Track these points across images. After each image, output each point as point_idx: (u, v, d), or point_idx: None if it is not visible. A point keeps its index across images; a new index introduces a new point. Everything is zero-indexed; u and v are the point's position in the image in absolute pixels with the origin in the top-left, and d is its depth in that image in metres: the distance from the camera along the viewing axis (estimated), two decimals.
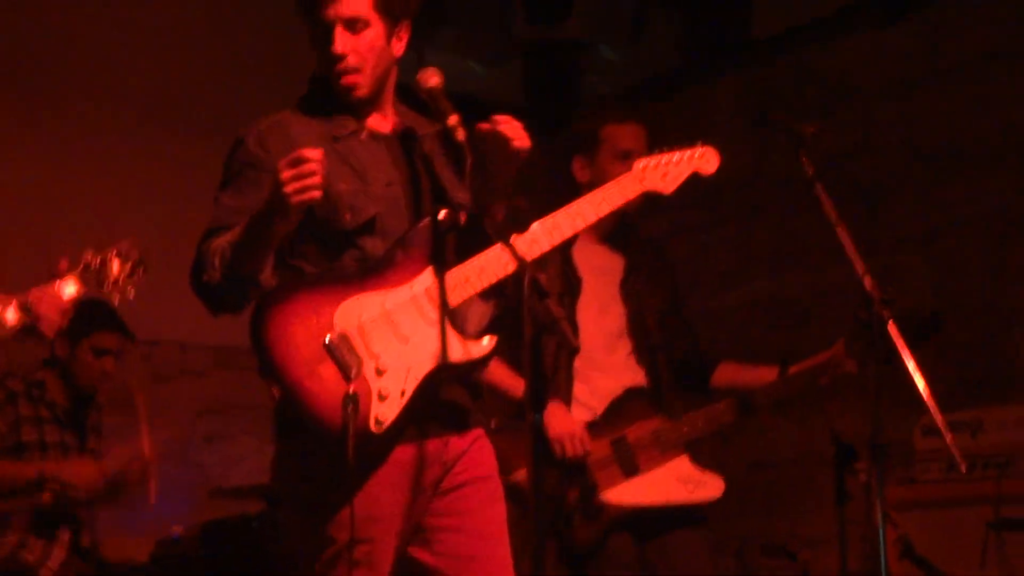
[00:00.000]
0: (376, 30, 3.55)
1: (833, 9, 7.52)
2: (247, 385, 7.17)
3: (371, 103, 3.62)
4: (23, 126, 6.69)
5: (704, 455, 4.90)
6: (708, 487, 4.83)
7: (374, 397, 3.34)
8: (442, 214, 3.49)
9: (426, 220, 3.50)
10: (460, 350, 3.45)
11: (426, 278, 3.46)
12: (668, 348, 5.06)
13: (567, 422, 4.70)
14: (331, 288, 3.41)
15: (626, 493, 4.76)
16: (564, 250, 4.87)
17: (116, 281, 3.98)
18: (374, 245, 3.48)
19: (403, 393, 3.37)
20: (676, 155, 3.79)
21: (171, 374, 7.25)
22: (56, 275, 3.84)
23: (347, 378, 3.31)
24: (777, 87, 7.63)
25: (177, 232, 6.75)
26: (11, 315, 3.75)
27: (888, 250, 6.65)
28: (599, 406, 4.85)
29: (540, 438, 3.21)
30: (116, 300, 4.02)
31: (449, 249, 3.52)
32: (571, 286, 4.88)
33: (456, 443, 3.56)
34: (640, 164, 3.76)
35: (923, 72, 7.06)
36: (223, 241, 3.36)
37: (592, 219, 3.64)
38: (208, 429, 7.21)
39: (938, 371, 4.11)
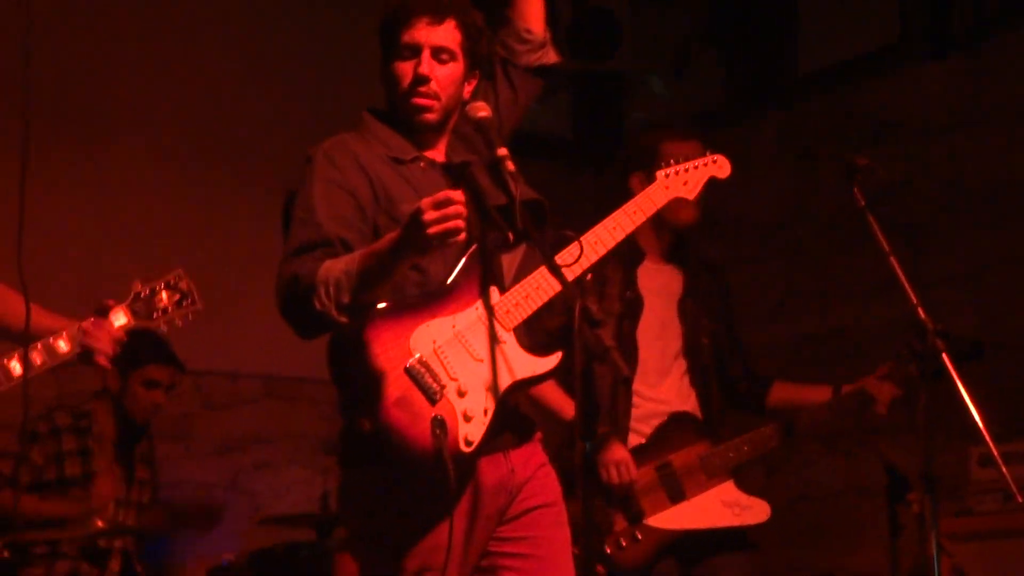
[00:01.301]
0: (458, 66, 3.59)
1: (878, 46, 7.53)
2: (296, 414, 7.29)
3: (434, 133, 3.65)
4: (72, 161, 6.73)
5: (750, 487, 4.90)
6: (754, 512, 4.82)
7: (460, 418, 3.37)
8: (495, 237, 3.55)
9: (485, 241, 3.54)
10: (530, 366, 3.50)
11: (492, 296, 3.51)
12: (720, 369, 5.07)
13: (614, 449, 4.72)
14: (402, 316, 3.42)
15: (672, 518, 4.77)
16: (627, 270, 4.90)
17: (165, 311, 4.01)
18: (436, 268, 3.50)
19: (486, 412, 3.41)
20: (694, 163, 3.97)
21: (222, 403, 7.27)
22: (104, 309, 3.87)
23: (432, 402, 3.35)
24: (821, 124, 7.62)
25: (225, 264, 6.87)
26: (63, 345, 3.78)
27: (933, 287, 6.64)
28: (648, 431, 4.88)
29: (590, 467, 3.21)
30: (165, 330, 4.04)
31: (507, 270, 3.56)
32: (632, 307, 4.91)
33: (521, 470, 3.57)
34: (663, 173, 3.91)
35: (968, 109, 7.06)
36: (336, 271, 3.29)
37: (630, 228, 3.75)
38: (257, 458, 7.23)
39: (990, 404, 4.10)
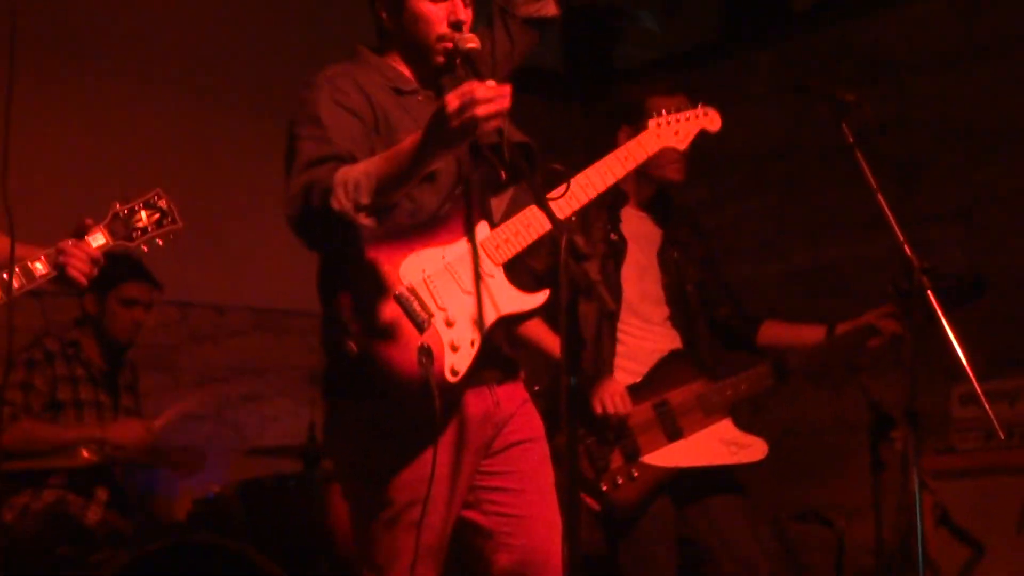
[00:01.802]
0: (472, 9, 3.62)
1: None
2: (283, 347, 7.29)
3: (440, 74, 3.66)
4: (58, 85, 6.68)
5: (741, 422, 4.91)
6: (752, 450, 4.83)
7: (447, 348, 3.39)
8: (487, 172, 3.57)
9: (476, 175, 3.57)
10: (517, 301, 3.53)
11: (480, 232, 3.52)
12: (708, 313, 5.09)
13: (607, 382, 4.73)
14: (392, 244, 3.43)
15: (669, 456, 4.78)
16: (611, 212, 4.91)
17: (145, 230, 3.94)
18: (428, 198, 3.51)
19: (472, 343, 3.43)
20: (685, 114, 4.06)
21: (208, 335, 7.26)
22: (83, 230, 3.84)
23: (420, 330, 3.36)
24: (815, 59, 7.61)
25: (213, 194, 6.85)
26: (40, 267, 3.74)
27: (925, 223, 6.64)
28: (640, 369, 4.87)
29: (575, 401, 3.23)
30: (145, 250, 3.98)
31: (497, 207, 3.59)
32: (616, 249, 4.91)
33: (506, 404, 3.60)
34: (654, 123, 4.00)
35: (961, 47, 7.04)
36: (355, 172, 3.26)
37: (621, 173, 3.83)
38: (244, 389, 7.24)
39: (976, 342, 4.11)
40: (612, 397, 4.70)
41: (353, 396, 3.48)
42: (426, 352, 3.33)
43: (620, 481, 4.72)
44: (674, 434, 4.80)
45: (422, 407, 3.32)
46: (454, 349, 3.41)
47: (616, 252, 4.92)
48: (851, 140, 4.25)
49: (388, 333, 3.34)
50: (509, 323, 3.57)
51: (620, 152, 3.85)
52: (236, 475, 6.16)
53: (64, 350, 5.89)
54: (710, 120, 4.14)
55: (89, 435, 5.67)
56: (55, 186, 6.42)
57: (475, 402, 3.53)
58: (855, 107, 4.34)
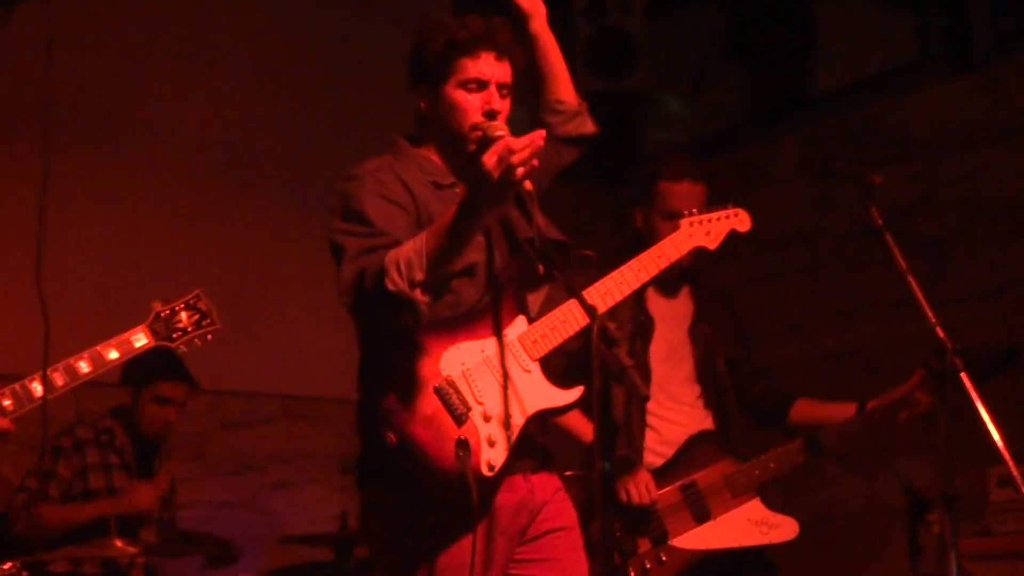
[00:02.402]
0: (509, 101, 3.65)
1: (896, 64, 7.53)
2: (314, 434, 7.29)
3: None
4: (91, 179, 6.76)
5: (775, 506, 4.88)
6: (783, 529, 4.80)
7: (484, 442, 3.40)
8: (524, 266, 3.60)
9: (515, 270, 3.59)
10: (553, 397, 3.54)
11: (518, 326, 3.54)
12: (739, 390, 5.07)
13: (634, 469, 4.71)
14: (433, 336, 3.45)
15: (698, 538, 4.75)
16: (638, 293, 4.91)
17: (185, 331, 4.04)
18: (467, 291, 3.53)
19: (508, 439, 3.44)
20: (716, 214, 4.22)
21: (240, 423, 7.28)
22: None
23: (458, 423, 3.37)
24: (840, 141, 7.63)
25: (243, 283, 6.89)
26: (84, 366, 3.81)
27: (955, 304, 6.61)
28: (670, 451, 4.86)
29: (610, 487, 3.23)
30: (185, 350, 4.07)
31: (533, 302, 3.62)
32: (644, 329, 4.91)
33: (540, 492, 3.60)
34: (686, 222, 4.14)
35: (985, 127, 7.04)
36: (405, 251, 3.28)
37: (654, 272, 3.94)
38: (276, 477, 7.24)
39: (1011, 423, 4.09)
40: (637, 486, 4.68)
41: (389, 484, 3.48)
42: (463, 445, 3.34)
43: (648, 566, 4.69)
44: (702, 516, 4.78)
45: (458, 498, 3.33)
46: (491, 444, 3.42)
47: (643, 331, 4.92)
48: (880, 222, 4.25)
49: (427, 425, 3.35)
50: (544, 417, 3.58)
51: (654, 251, 3.95)
52: (269, 564, 6.15)
53: (98, 437, 5.91)
54: (740, 221, 4.29)
55: (99, 512, 5.67)
56: (90, 278, 6.47)
57: (510, 490, 3.53)
58: (881, 188, 4.34)
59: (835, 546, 7.11)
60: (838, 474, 7.11)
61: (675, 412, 4.93)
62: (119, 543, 5.35)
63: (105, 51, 6.92)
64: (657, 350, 4.94)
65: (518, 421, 3.48)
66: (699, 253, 4.60)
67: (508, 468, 3.45)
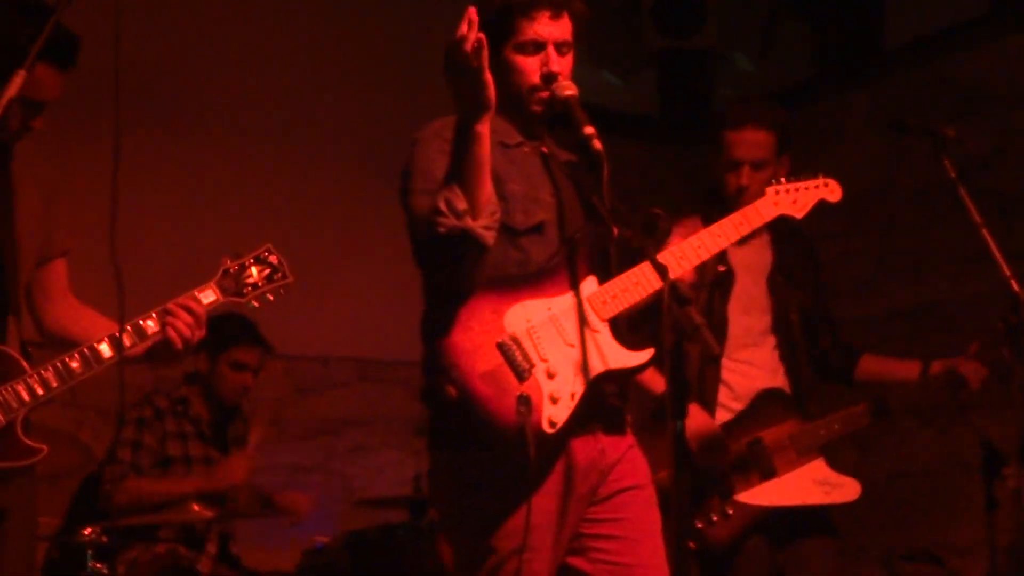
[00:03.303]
0: (572, 56, 3.63)
1: (966, 17, 7.44)
2: (388, 397, 7.32)
3: (539, 123, 3.68)
4: (163, 145, 6.77)
5: (845, 465, 4.86)
6: (845, 490, 4.79)
7: (546, 399, 3.39)
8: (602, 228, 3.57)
9: (589, 230, 3.58)
10: (622, 357, 3.52)
11: (588, 286, 3.53)
12: (811, 341, 5.05)
13: (702, 422, 4.68)
14: (499, 292, 3.46)
15: (762, 495, 4.75)
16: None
17: (255, 286, 3.95)
18: (538, 250, 3.54)
19: (573, 396, 3.43)
20: (805, 183, 4.10)
21: (314, 387, 7.32)
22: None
23: (520, 379, 3.37)
24: (911, 96, 7.56)
25: (316, 248, 6.91)
26: (151, 324, 3.78)
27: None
28: (739, 407, 4.86)
29: (683, 444, 3.22)
30: (256, 305, 3.97)
31: (604, 260, 3.60)
32: (724, 281, 4.90)
33: (612, 451, 3.59)
34: (772, 190, 4.04)
35: None
36: (439, 195, 3.31)
37: (734, 238, 3.87)
38: (351, 441, 7.28)
39: None
40: (706, 439, 4.68)
41: (454, 446, 3.49)
42: (524, 401, 3.34)
43: (715, 519, 4.69)
44: (768, 473, 4.77)
45: (519, 455, 3.33)
46: (553, 401, 3.41)
47: (724, 285, 4.90)
48: (953, 175, 4.22)
49: (488, 380, 3.35)
50: (613, 378, 3.56)
51: (736, 217, 3.88)
52: (343, 526, 6.19)
53: (173, 407, 5.96)
54: (830, 191, 4.18)
55: (196, 487, 5.72)
56: (162, 247, 6.52)
57: (581, 450, 3.51)
58: (955, 142, 4.31)
59: (912, 500, 7.09)
60: (913, 429, 7.07)
61: (749, 366, 4.91)
62: (196, 507, 5.39)
63: (173, 19, 6.94)
64: (737, 302, 4.93)
65: (587, 379, 3.46)
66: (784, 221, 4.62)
67: (572, 427, 3.44)
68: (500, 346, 3.40)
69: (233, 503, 5.81)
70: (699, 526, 4.67)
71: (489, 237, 3.34)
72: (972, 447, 4.77)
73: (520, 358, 3.40)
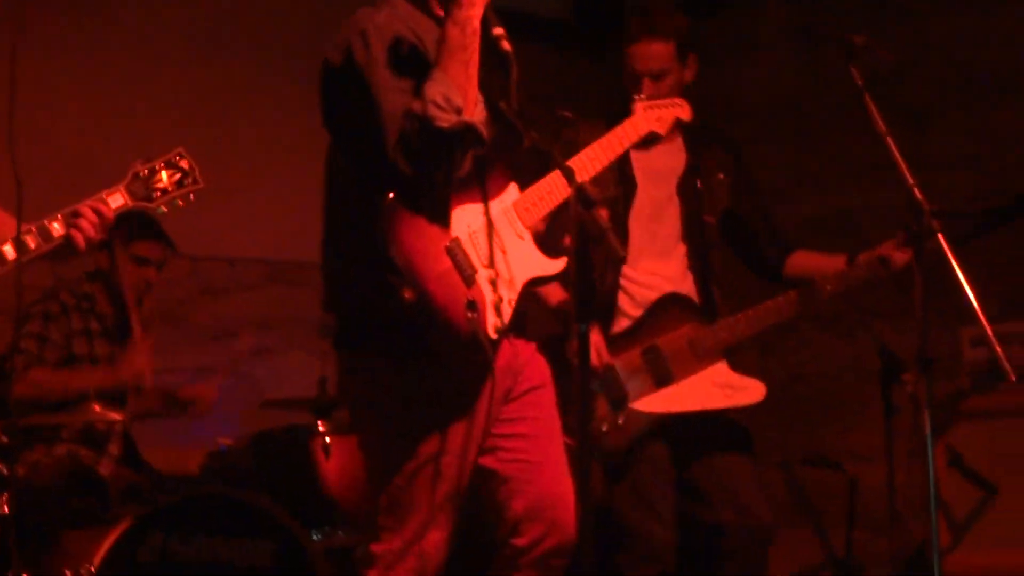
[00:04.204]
0: None
1: None
2: (296, 299, 7.27)
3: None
4: (66, 34, 6.68)
5: (750, 367, 4.88)
6: (748, 392, 4.78)
7: (489, 305, 3.41)
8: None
9: (497, 138, 3.55)
10: (542, 265, 3.58)
11: (511, 193, 3.55)
12: (740, 245, 5.06)
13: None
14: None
15: (658, 402, 4.74)
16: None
17: (165, 191, 3.91)
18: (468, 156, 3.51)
19: (510, 303, 3.48)
20: (662, 102, 4.35)
21: (221, 289, 7.26)
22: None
23: (467, 284, 3.38)
24: (824, 4, 7.55)
25: (224, 146, 6.83)
26: (57, 227, 3.75)
27: (936, 169, 6.59)
28: (638, 314, 4.85)
29: (587, 348, 3.24)
30: (165, 211, 3.96)
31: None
32: (626, 191, 4.87)
33: (522, 352, 3.64)
34: (640, 106, 4.25)
35: None
36: (431, 92, 3.29)
37: (620, 150, 4.08)
38: (257, 343, 7.24)
39: (987, 286, 4.10)
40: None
41: (390, 352, 3.47)
42: (472, 306, 3.36)
43: (604, 429, 4.69)
44: (664, 380, 4.76)
45: (466, 361, 3.36)
46: (496, 307, 3.45)
47: (625, 194, 4.87)
48: (860, 83, 4.23)
49: (440, 283, 3.36)
50: (536, 285, 3.61)
51: (618, 131, 4.09)
52: (250, 428, 6.17)
53: (79, 304, 5.89)
54: (682, 110, 4.39)
55: (99, 381, 5.67)
56: (67, 145, 6.42)
57: (500, 352, 3.55)
58: (865, 50, 4.31)
59: (812, 406, 7.18)
60: (815, 334, 7.14)
61: (651, 275, 4.89)
62: (97, 407, 5.35)
63: None
64: (640, 210, 4.89)
65: (517, 287, 3.52)
66: (652, 137, 4.57)
67: (507, 333, 3.48)
68: (448, 249, 3.40)
69: (136, 401, 5.78)
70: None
71: (485, 133, 3.34)
72: (871, 353, 4.82)
73: (464, 263, 3.41)
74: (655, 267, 4.89)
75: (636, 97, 4.26)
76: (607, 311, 4.81)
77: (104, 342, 5.91)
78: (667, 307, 4.83)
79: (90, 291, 5.95)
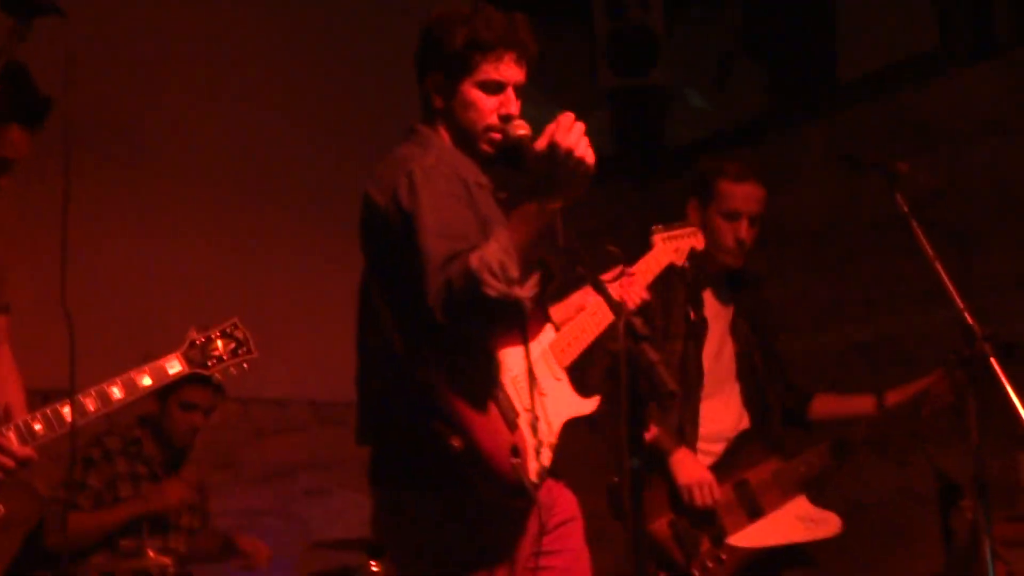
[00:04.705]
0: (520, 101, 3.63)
1: (919, 50, 7.49)
2: (345, 439, 7.27)
3: (487, 163, 3.65)
4: (117, 196, 6.78)
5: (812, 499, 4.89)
6: (827, 525, 4.84)
7: (531, 450, 3.40)
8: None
9: (552, 279, 3.60)
10: (578, 405, 3.57)
11: (548, 334, 3.55)
12: (774, 385, 5.07)
13: (696, 470, 4.72)
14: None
15: (752, 536, 4.78)
16: (692, 292, 4.92)
17: (220, 359, 4.09)
18: None
19: (550, 447, 3.47)
20: (683, 231, 4.49)
21: (270, 430, 7.29)
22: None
23: (511, 428, 3.39)
24: (865, 130, 7.60)
25: (270, 290, 6.90)
26: (116, 392, 3.86)
27: (983, 293, 6.56)
28: (713, 449, 4.88)
29: (640, 483, 3.22)
30: (220, 379, 4.15)
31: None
32: (696, 330, 4.92)
33: (554, 487, 3.64)
34: (659, 238, 4.35)
35: (1010, 112, 7.00)
36: (491, 253, 3.21)
37: (650, 277, 4.23)
38: (308, 484, 7.24)
39: None
40: (702, 487, 4.69)
41: (429, 487, 3.44)
42: (516, 452, 3.35)
43: (711, 566, 4.70)
44: (755, 513, 4.81)
45: (514, 504, 3.37)
46: (537, 452, 3.45)
47: (696, 333, 4.92)
48: (906, 210, 4.24)
49: (488, 431, 3.35)
50: (571, 425, 3.60)
51: (640, 265, 4.20)
52: (303, 570, 6.15)
53: (126, 448, 5.93)
54: (697, 240, 4.51)
55: (132, 511, 5.69)
56: (115, 289, 6.49)
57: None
58: (908, 177, 4.33)
59: (871, 533, 7.09)
60: (871, 462, 7.08)
61: (715, 411, 4.93)
62: (152, 553, 5.36)
63: (123, 65, 6.93)
64: (708, 349, 4.96)
65: (555, 429, 3.52)
66: (728, 259, 4.88)
67: (547, 475, 3.48)
68: (494, 397, 3.39)
69: (192, 543, 5.78)
70: (695, 573, 4.68)
71: (529, 307, 3.32)
72: (929, 479, 4.79)
73: (508, 408, 3.41)
74: (715, 405, 4.93)
75: (653, 228, 4.31)
76: (689, 447, 4.81)
77: (151, 486, 5.92)
78: (746, 442, 4.91)
79: (138, 436, 5.98)
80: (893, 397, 4.87)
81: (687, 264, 4.43)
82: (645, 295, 4.12)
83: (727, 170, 4.91)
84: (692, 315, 4.92)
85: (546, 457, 3.45)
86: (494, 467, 3.34)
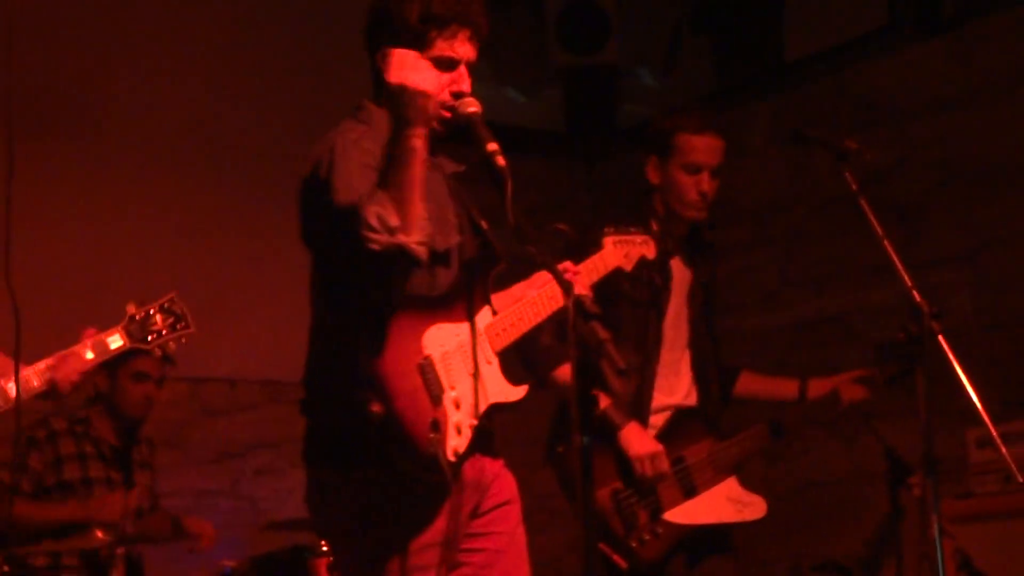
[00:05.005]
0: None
1: (865, 29, 7.53)
2: (296, 418, 7.25)
3: (437, 140, 3.60)
4: (62, 171, 6.72)
5: (754, 476, 4.91)
6: (754, 508, 4.86)
7: (451, 429, 3.39)
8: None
9: (478, 258, 3.58)
10: (505, 392, 3.56)
11: (485, 315, 3.54)
12: (713, 359, 5.09)
13: (647, 442, 4.71)
14: (415, 313, 3.43)
15: (687, 513, 4.77)
16: (663, 262, 4.85)
17: (159, 333, 4.17)
18: (443, 274, 3.51)
19: (471, 427, 3.45)
20: (635, 237, 4.16)
21: (221, 410, 7.26)
22: (80, 341, 3.98)
23: (434, 403, 3.37)
24: (812, 108, 7.64)
25: (221, 269, 6.86)
26: (35, 382, 3.89)
27: (930, 268, 6.61)
28: (659, 424, 4.87)
29: (589, 460, 3.22)
30: (159, 353, 4.18)
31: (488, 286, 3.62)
32: (663, 298, 4.90)
33: (489, 469, 3.62)
34: (610, 240, 4.08)
35: (958, 89, 7.05)
36: (369, 210, 3.20)
37: (596, 278, 3.97)
38: (259, 463, 7.22)
39: (988, 385, 4.10)
40: (654, 459, 4.69)
41: (354, 465, 3.43)
42: (436, 427, 3.33)
43: (647, 538, 4.71)
44: (690, 491, 4.80)
45: (428, 478, 3.34)
46: (458, 431, 3.41)
47: (659, 302, 4.89)
48: (854, 188, 4.26)
49: (409, 400, 3.33)
50: (497, 411, 3.57)
51: (587, 264, 3.95)
52: (254, 550, 6.13)
53: (72, 428, 5.89)
54: (648, 249, 4.20)
55: (72, 515, 5.66)
56: (61, 264, 6.45)
57: (467, 469, 3.51)
58: (855, 154, 4.35)
59: (820, 510, 7.14)
60: (819, 440, 7.12)
61: (675, 381, 4.94)
62: (100, 534, 5.32)
63: (69, 39, 6.87)
64: (668, 318, 4.93)
65: (479, 411, 3.48)
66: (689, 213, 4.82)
67: (466, 457, 3.45)
68: (420, 367, 3.38)
69: (140, 525, 5.75)
70: (633, 544, 4.69)
71: (423, 252, 3.28)
72: (878, 457, 4.83)
73: (434, 382, 3.39)
74: (672, 376, 4.93)
75: (606, 230, 4.14)
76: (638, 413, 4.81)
77: (99, 465, 5.89)
78: (685, 420, 4.89)
79: (85, 415, 5.94)
80: (816, 385, 4.94)
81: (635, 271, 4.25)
82: (587, 293, 4.06)
83: (686, 123, 4.85)
84: (657, 279, 4.89)
85: (466, 437, 3.42)
86: (411, 438, 3.31)
